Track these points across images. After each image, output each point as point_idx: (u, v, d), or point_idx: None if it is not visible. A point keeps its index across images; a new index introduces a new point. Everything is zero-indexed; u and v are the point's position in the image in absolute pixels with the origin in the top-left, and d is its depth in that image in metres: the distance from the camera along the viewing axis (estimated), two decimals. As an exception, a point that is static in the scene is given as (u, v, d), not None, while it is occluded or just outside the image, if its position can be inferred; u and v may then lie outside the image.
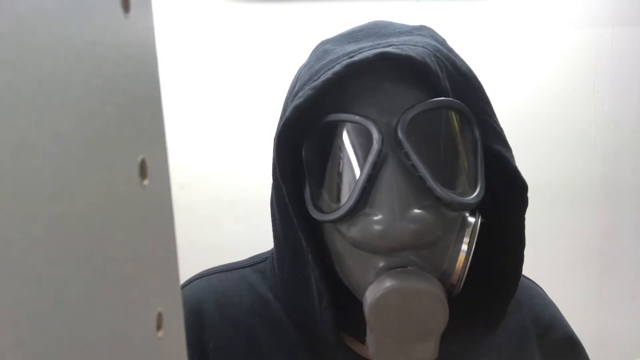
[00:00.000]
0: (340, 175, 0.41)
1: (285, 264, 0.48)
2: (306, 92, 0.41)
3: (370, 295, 0.38)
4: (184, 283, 0.55)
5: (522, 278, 0.50)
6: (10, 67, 0.14)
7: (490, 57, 1.43)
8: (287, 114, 0.42)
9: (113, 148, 0.19)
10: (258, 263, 0.55)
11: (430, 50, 0.41)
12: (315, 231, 0.45)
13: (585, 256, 1.48)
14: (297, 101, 0.41)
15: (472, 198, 0.40)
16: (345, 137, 0.41)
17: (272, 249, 0.55)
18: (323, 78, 0.40)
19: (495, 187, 0.44)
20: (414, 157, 0.38)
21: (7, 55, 0.14)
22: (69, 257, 0.16)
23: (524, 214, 0.45)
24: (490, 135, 0.44)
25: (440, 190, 0.38)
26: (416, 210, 0.37)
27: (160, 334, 0.22)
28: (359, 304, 0.41)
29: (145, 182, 0.21)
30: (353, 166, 0.40)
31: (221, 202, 1.45)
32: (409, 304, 0.37)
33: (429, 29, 0.47)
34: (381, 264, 0.39)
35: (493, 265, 0.47)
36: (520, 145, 1.49)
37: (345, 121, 0.40)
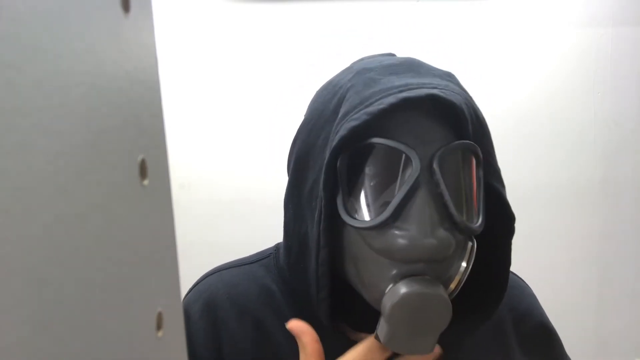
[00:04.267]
0: (376, 191, 0.48)
1: (292, 253, 0.55)
2: (362, 115, 0.47)
3: (395, 294, 0.45)
4: (200, 279, 0.63)
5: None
6: (10, 67, 0.14)
7: (490, 57, 1.43)
8: (343, 132, 0.47)
9: (113, 148, 0.19)
10: (262, 259, 0.63)
11: (463, 98, 0.49)
12: (329, 233, 0.51)
13: (585, 256, 1.48)
14: (353, 123, 0.47)
15: (478, 226, 0.49)
16: (386, 159, 0.48)
17: (274, 246, 0.64)
18: (379, 106, 0.47)
19: (489, 217, 0.51)
20: (443, 186, 0.45)
21: (7, 55, 0.14)
22: (69, 257, 0.16)
23: (511, 239, 0.54)
24: (491, 173, 0.53)
25: (458, 217, 0.46)
26: (442, 230, 0.45)
27: (160, 334, 0.22)
28: (352, 297, 0.51)
29: (145, 182, 0.21)
30: (390, 185, 0.47)
31: (221, 202, 1.45)
32: (425, 305, 0.44)
33: (455, 77, 0.54)
34: (399, 271, 0.46)
35: (484, 278, 0.55)
36: (520, 145, 1.49)
37: (391, 147, 0.47)
